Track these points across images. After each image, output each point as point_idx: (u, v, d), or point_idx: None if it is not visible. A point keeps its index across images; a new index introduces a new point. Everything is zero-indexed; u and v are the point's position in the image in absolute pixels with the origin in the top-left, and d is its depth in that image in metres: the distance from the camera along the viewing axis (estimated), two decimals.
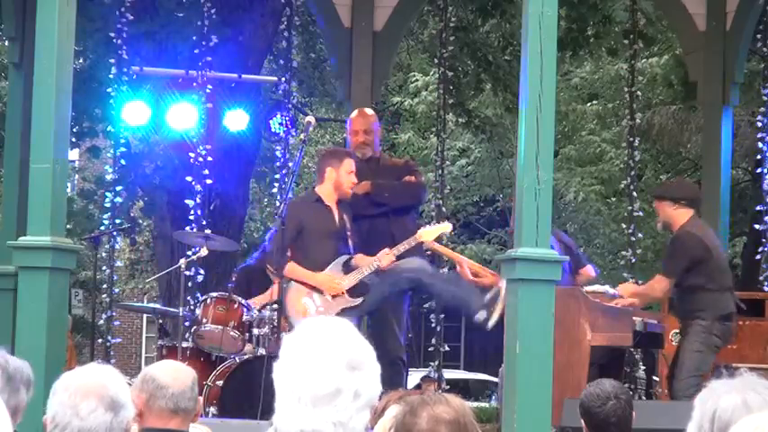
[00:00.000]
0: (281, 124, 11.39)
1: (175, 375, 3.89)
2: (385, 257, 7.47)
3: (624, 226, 10.88)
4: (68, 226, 12.85)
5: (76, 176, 22.16)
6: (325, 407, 2.45)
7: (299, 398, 2.46)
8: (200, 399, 4.00)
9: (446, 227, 7.73)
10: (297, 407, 2.46)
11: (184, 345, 8.22)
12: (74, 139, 12.65)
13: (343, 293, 7.41)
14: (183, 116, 11.30)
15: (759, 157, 10.97)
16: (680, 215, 7.53)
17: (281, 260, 7.38)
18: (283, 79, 11.42)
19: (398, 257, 7.52)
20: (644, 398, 8.95)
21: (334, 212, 7.58)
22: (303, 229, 7.50)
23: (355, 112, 8.26)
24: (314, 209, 7.58)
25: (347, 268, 7.52)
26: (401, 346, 7.49)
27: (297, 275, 7.43)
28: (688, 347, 7.38)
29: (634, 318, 7.52)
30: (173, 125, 11.37)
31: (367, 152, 7.84)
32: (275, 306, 7.75)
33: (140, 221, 15.62)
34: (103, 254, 11.84)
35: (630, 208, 10.72)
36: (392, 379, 7.21)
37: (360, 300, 7.48)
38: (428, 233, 7.58)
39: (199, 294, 9.57)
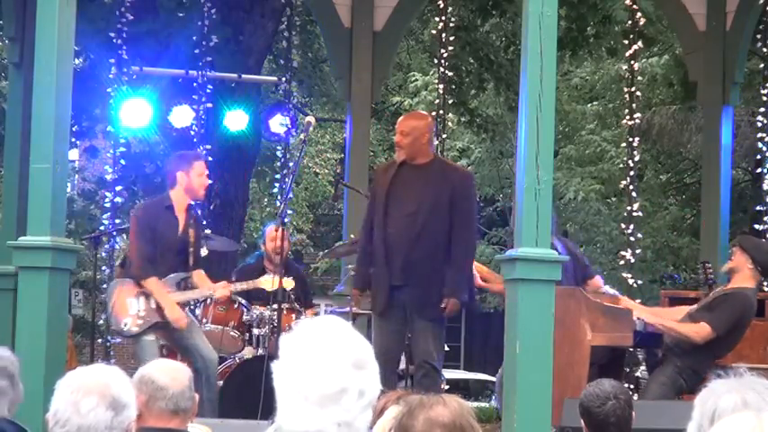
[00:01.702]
0: (281, 124, 11.39)
1: (174, 375, 3.89)
2: (220, 290, 7.46)
3: (624, 226, 10.87)
4: (70, 226, 12.90)
5: (76, 176, 22.15)
6: (332, 406, 2.45)
7: (306, 397, 2.45)
8: (197, 397, 4.00)
9: (289, 283, 7.57)
10: (303, 406, 2.46)
11: None
12: (74, 139, 12.65)
13: (177, 320, 7.29)
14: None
15: (759, 157, 10.97)
16: (750, 276, 7.49)
17: (148, 270, 7.29)
18: (283, 79, 11.42)
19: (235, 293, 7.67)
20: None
21: (180, 223, 7.40)
22: (153, 235, 7.36)
23: (405, 114, 7.98)
24: (164, 216, 7.40)
25: (180, 286, 7.43)
26: (431, 352, 7.36)
27: (154, 294, 7.29)
28: (656, 377, 7.44)
29: (635, 318, 7.52)
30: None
31: (400, 155, 7.41)
32: (275, 306, 7.76)
33: None
34: (103, 254, 11.85)
35: (630, 208, 10.72)
36: (420, 382, 7.16)
37: (163, 321, 7.33)
38: (266, 282, 7.58)
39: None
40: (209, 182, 7.53)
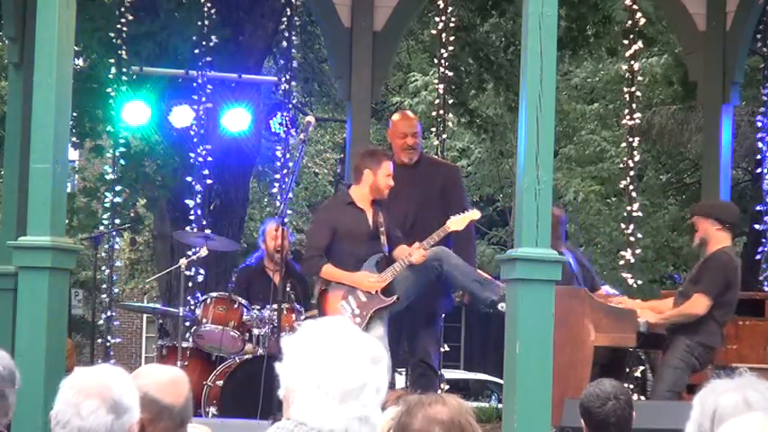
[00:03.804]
0: (281, 124, 11.39)
1: (175, 391, 3.76)
2: (416, 252, 7.31)
3: (624, 226, 10.86)
4: (74, 223, 12.89)
5: (76, 176, 22.16)
6: (352, 401, 2.49)
7: (327, 393, 2.49)
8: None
9: (474, 214, 7.44)
10: (324, 402, 2.49)
11: (184, 345, 8.23)
12: (74, 139, 12.65)
13: (377, 292, 7.29)
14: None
15: (759, 157, 10.96)
16: (720, 237, 7.48)
17: (320, 262, 7.33)
18: (284, 79, 11.42)
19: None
20: (644, 398, 8.95)
21: (367, 214, 7.41)
22: (337, 232, 7.37)
23: (398, 115, 7.94)
24: (347, 212, 7.41)
25: (380, 268, 7.40)
26: (428, 351, 7.35)
27: (334, 276, 7.33)
28: (668, 363, 7.41)
29: (638, 319, 7.52)
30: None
31: (414, 156, 7.51)
32: (275, 306, 7.76)
33: (143, 218, 15.62)
34: (103, 254, 11.85)
35: (630, 208, 10.71)
36: (417, 381, 7.17)
37: (393, 298, 7.34)
38: (457, 222, 7.38)
39: (199, 294, 9.57)
40: (392, 184, 7.44)
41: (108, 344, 10.85)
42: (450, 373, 21.10)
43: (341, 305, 7.30)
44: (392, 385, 7.56)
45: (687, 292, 7.50)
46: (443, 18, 11.49)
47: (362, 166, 7.45)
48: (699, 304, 7.36)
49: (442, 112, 11.49)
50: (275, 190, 11.80)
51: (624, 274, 10.39)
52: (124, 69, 11.04)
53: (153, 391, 3.66)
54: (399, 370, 8.41)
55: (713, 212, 7.61)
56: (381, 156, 7.54)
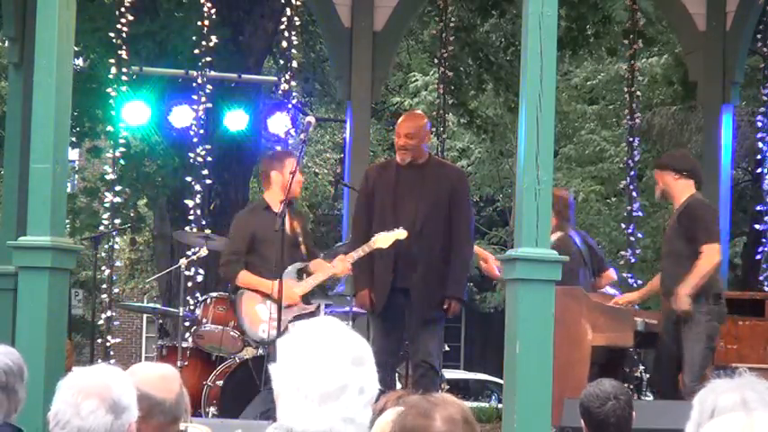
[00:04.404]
0: (281, 124, 11.39)
1: (167, 387, 3.78)
2: (340, 264, 7.38)
3: (624, 226, 10.87)
4: (75, 224, 12.90)
5: (76, 177, 22.17)
6: (332, 403, 2.46)
7: (306, 395, 2.46)
8: (186, 396, 3.96)
9: (401, 234, 7.38)
10: (303, 404, 2.46)
11: (184, 345, 8.23)
12: (74, 139, 12.66)
13: (297, 303, 7.32)
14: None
15: (759, 157, 10.97)
16: (683, 187, 7.40)
17: (237, 268, 7.36)
18: (284, 79, 11.42)
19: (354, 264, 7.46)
20: (643, 398, 8.96)
21: (285, 219, 7.34)
22: (255, 239, 7.38)
23: (402, 116, 7.98)
24: (265, 218, 7.39)
25: (301, 275, 7.44)
26: (430, 352, 7.35)
27: (250, 284, 7.35)
28: (694, 345, 7.16)
29: (635, 318, 7.52)
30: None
31: (406, 157, 7.40)
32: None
33: (143, 218, 15.63)
34: (103, 254, 11.85)
35: (630, 208, 10.73)
36: (419, 382, 7.15)
37: (313, 306, 7.43)
38: (383, 240, 7.38)
39: (199, 294, 9.57)
40: (302, 178, 7.51)
41: (108, 344, 10.84)
42: (450, 373, 21.10)
43: (258, 307, 7.32)
44: (392, 385, 7.57)
45: (679, 250, 7.35)
46: (443, 18, 11.51)
47: (268, 170, 7.52)
48: (712, 254, 7.22)
49: (442, 112, 11.51)
50: None
51: (624, 274, 10.40)
52: (124, 69, 11.04)
53: (144, 387, 3.68)
54: (397, 370, 8.39)
55: (669, 164, 7.56)
56: (283, 155, 7.66)
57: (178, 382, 3.83)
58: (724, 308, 7.40)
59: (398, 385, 8.40)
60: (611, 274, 8.34)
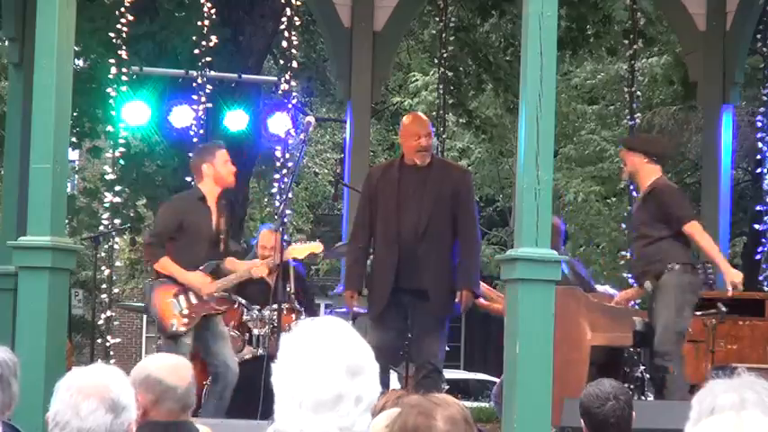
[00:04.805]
0: (281, 124, 11.40)
1: (180, 374, 3.91)
2: (257, 269, 7.47)
3: (624, 226, 10.87)
4: (74, 224, 12.90)
5: (76, 177, 22.17)
6: (327, 413, 2.43)
7: (301, 403, 2.43)
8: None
9: (316, 246, 7.59)
10: (298, 412, 2.43)
11: None
12: (74, 140, 12.66)
13: (210, 297, 7.35)
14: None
15: (759, 157, 10.97)
16: (650, 170, 7.41)
17: (160, 252, 7.35)
18: (283, 79, 11.42)
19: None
20: (643, 398, 8.96)
21: (213, 215, 7.43)
22: (182, 227, 7.38)
23: (409, 117, 7.88)
24: (197, 208, 7.42)
25: (215, 274, 7.45)
26: (435, 353, 7.35)
27: (170, 271, 7.34)
28: (661, 306, 7.18)
29: (634, 317, 7.52)
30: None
31: (427, 158, 7.37)
32: (274, 306, 7.75)
33: (143, 218, 15.62)
34: (103, 254, 11.85)
35: (630, 208, 10.72)
36: (422, 383, 7.15)
37: (224, 307, 7.47)
38: (298, 250, 7.57)
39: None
40: (234, 167, 7.56)
41: (108, 344, 10.85)
42: (450, 373, 21.06)
43: (171, 301, 7.32)
44: (386, 385, 7.56)
45: (648, 232, 7.34)
46: (443, 18, 11.51)
47: (199, 163, 7.51)
48: (700, 228, 7.36)
49: (441, 112, 11.51)
50: (275, 190, 11.81)
51: (624, 274, 10.40)
52: (124, 69, 11.04)
53: (156, 372, 3.80)
54: (396, 369, 8.39)
55: (639, 146, 7.58)
56: (213, 147, 7.67)
57: (190, 372, 3.92)
58: (697, 278, 7.40)
59: (398, 385, 8.39)
60: (601, 294, 8.34)
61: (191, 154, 8.05)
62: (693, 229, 7.29)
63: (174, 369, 3.92)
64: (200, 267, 7.36)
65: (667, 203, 7.29)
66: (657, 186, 7.36)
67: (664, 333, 7.11)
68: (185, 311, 7.28)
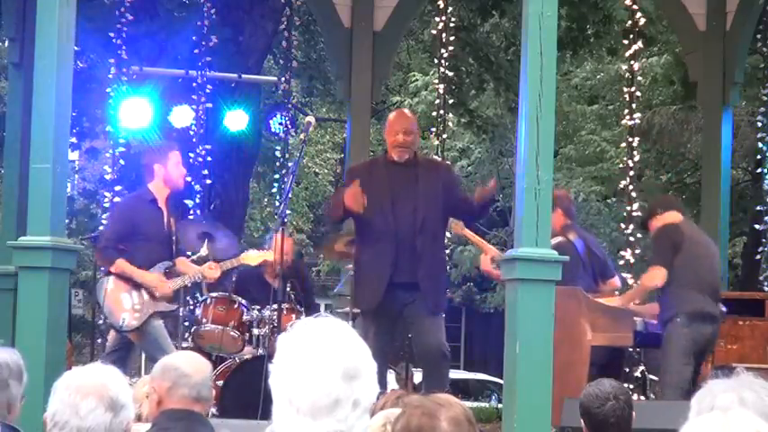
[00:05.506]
0: (280, 124, 11.40)
1: (197, 366, 3.97)
2: (209, 271, 7.56)
3: (624, 226, 10.87)
4: (71, 225, 12.89)
5: (76, 176, 22.17)
6: (324, 418, 2.40)
7: (297, 408, 2.40)
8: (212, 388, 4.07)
9: (269, 254, 7.77)
10: (295, 417, 2.40)
11: (184, 345, 8.23)
12: (74, 140, 12.66)
13: (163, 296, 7.43)
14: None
15: (759, 157, 10.96)
16: (664, 218, 7.57)
17: (114, 255, 7.41)
18: (283, 79, 11.43)
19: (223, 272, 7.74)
20: (643, 398, 8.96)
21: (164, 215, 7.53)
22: (134, 229, 7.46)
23: (393, 113, 7.98)
24: (147, 209, 7.52)
25: (168, 274, 7.52)
26: (444, 342, 7.42)
27: (126, 272, 7.41)
28: (668, 358, 7.34)
29: (635, 318, 7.52)
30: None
31: (405, 155, 7.40)
32: (275, 306, 7.76)
33: None
34: None
35: (630, 208, 10.72)
36: (432, 372, 7.25)
37: (174, 306, 7.54)
38: (250, 257, 7.79)
39: (198, 294, 9.57)
40: (185, 170, 7.63)
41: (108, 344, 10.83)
42: (450, 373, 21.07)
43: (123, 296, 7.39)
44: (384, 384, 7.57)
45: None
46: (443, 18, 11.50)
47: (150, 163, 7.60)
48: (653, 275, 7.46)
49: (442, 112, 11.51)
50: (275, 190, 11.81)
51: (624, 274, 10.39)
52: (124, 69, 11.04)
53: (172, 360, 3.86)
54: (396, 370, 8.41)
55: (648, 214, 7.90)
56: (166, 147, 7.78)
57: (208, 368, 4.00)
58: (705, 327, 7.40)
59: (396, 385, 8.40)
60: (616, 281, 8.36)
61: (147, 151, 8.22)
62: (650, 271, 7.57)
63: (191, 358, 4.04)
64: (152, 269, 7.44)
65: (654, 245, 7.71)
66: (657, 229, 7.71)
67: (666, 387, 7.40)
68: (137, 306, 7.35)
